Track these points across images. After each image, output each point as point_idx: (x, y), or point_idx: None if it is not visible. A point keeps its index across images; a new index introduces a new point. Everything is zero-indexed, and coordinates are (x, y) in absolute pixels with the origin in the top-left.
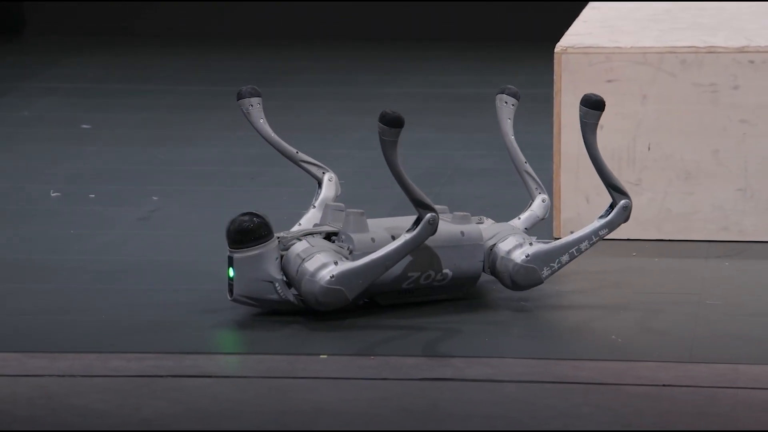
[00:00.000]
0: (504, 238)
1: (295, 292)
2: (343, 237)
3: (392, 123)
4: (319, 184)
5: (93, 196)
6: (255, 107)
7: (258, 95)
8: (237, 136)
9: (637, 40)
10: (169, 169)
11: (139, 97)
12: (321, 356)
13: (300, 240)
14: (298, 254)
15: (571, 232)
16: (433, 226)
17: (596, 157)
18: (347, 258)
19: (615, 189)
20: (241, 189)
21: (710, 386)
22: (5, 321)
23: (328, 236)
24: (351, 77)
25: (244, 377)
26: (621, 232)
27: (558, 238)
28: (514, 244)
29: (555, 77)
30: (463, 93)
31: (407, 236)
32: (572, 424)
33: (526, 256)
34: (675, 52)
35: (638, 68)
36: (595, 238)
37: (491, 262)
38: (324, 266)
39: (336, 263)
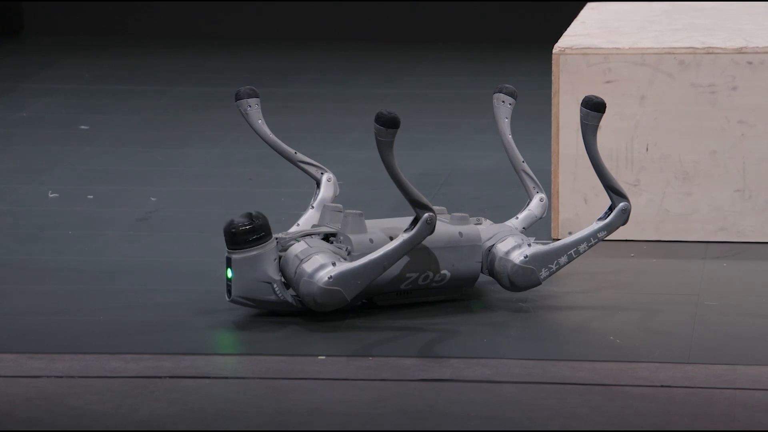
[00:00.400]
0: (503, 239)
1: (294, 293)
2: (342, 238)
3: (388, 123)
4: (318, 184)
5: (91, 196)
6: (253, 108)
7: (256, 96)
8: (235, 137)
9: (635, 41)
10: (167, 170)
11: (138, 97)
12: (319, 357)
13: (298, 241)
14: (296, 255)
15: (570, 233)
16: (430, 226)
17: (596, 159)
18: (345, 259)
19: (614, 191)
20: (240, 190)
21: (709, 387)
22: (3, 322)
23: (327, 237)
24: (349, 78)
25: (242, 378)
26: (619, 232)
27: (556, 239)
28: (513, 245)
29: (553, 78)
30: (462, 94)
31: (405, 236)
32: (570, 425)
33: (525, 257)
34: (673, 53)
35: (636, 69)
36: (594, 240)
37: (489, 262)
38: (322, 267)
39: (334, 264)
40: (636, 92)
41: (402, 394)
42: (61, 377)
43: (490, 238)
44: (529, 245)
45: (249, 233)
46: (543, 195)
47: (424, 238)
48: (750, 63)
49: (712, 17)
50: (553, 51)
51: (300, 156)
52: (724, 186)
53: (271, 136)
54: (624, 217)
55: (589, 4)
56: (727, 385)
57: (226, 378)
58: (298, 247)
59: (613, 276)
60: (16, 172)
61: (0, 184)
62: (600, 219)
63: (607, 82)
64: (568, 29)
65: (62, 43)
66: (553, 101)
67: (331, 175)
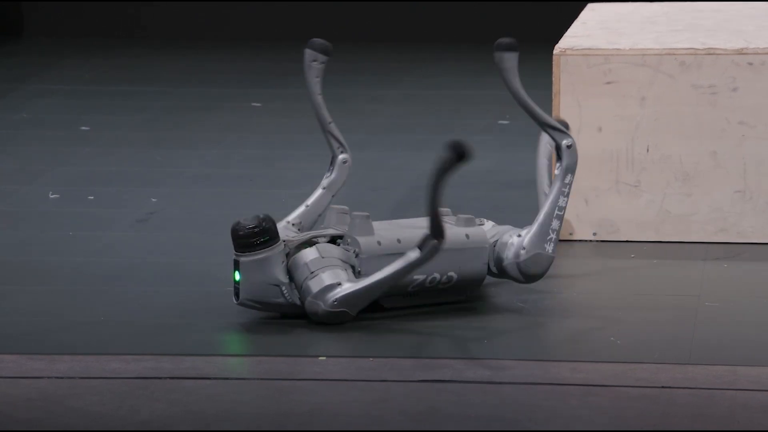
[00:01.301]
0: (502, 234)
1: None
2: (349, 240)
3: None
4: (332, 161)
5: (92, 197)
6: (317, 64)
7: (327, 54)
8: (236, 138)
9: (635, 41)
10: (168, 171)
11: (138, 98)
12: (320, 358)
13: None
14: (306, 263)
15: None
16: (437, 251)
17: (525, 102)
18: (354, 264)
19: (552, 128)
20: (240, 190)
21: (709, 388)
22: (4, 322)
23: (334, 239)
24: (349, 78)
25: (243, 379)
26: (619, 233)
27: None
28: (509, 239)
29: (554, 79)
30: (462, 94)
31: (411, 257)
32: (571, 426)
33: (523, 249)
34: (674, 54)
35: (637, 70)
36: (566, 189)
37: (496, 259)
38: (329, 289)
39: (340, 284)
40: (636, 93)
41: (403, 394)
42: (62, 378)
43: (494, 236)
44: (519, 236)
45: (256, 236)
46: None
47: (429, 261)
48: (751, 64)
49: (713, 18)
50: (554, 52)
51: (332, 128)
52: (724, 187)
53: (318, 97)
54: (575, 154)
55: (589, 5)
56: (728, 386)
57: (227, 379)
58: (309, 254)
59: (614, 277)
60: (17, 172)
61: (0, 185)
62: (559, 168)
63: (608, 83)
64: (569, 30)
65: (63, 44)
66: (553, 102)
67: (348, 158)
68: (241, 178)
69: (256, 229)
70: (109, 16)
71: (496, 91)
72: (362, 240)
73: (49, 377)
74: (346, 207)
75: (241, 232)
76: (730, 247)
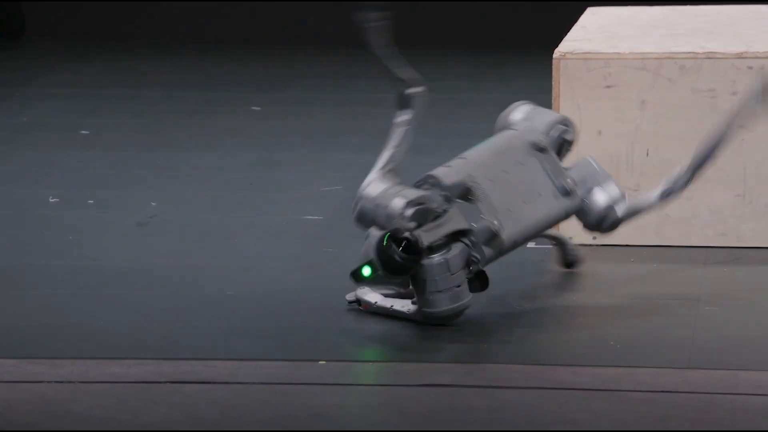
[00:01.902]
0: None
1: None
2: (472, 237)
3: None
4: (405, 97)
5: (91, 201)
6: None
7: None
8: (235, 141)
9: (635, 45)
10: (168, 175)
11: (138, 102)
12: (320, 362)
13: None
14: (434, 280)
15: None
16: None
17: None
18: (476, 255)
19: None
20: (240, 194)
21: (709, 392)
22: (3, 326)
23: (458, 234)
24: (349, 82)
25: (243, 383)
26: (619, 237)
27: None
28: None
29: (553, 83)
30: (461, 98)
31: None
32: (570, 430)
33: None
34: (674, 58)
35: (637, 74)
36: None
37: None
38: (452, 312)
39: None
40: (636, 97)
41: (402, 399)
42: (62, 382)
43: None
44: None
45: (406, 268)
46: None
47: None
48: (750, 68)
49: (713, 22)
50: (554, 56)
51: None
52: (724, 191)
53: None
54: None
55: (589, 9)
56: (728, 390)
57: (227, 383)
58: (437, 270)
59: (613, 280)
60: (17, 176)
61: (0, 189)
62: None
63: (608, 86)
64: (569, 34)
65: (63, 47)
66: (553, 106)
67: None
68: (241, 181)
69: (403, 264)
70: (110, 20)
71: (496, 93)
72: (476, 227)
73: (48, 381)
74: (475, 200)
75: (389, 265)
76: (730, 250)
